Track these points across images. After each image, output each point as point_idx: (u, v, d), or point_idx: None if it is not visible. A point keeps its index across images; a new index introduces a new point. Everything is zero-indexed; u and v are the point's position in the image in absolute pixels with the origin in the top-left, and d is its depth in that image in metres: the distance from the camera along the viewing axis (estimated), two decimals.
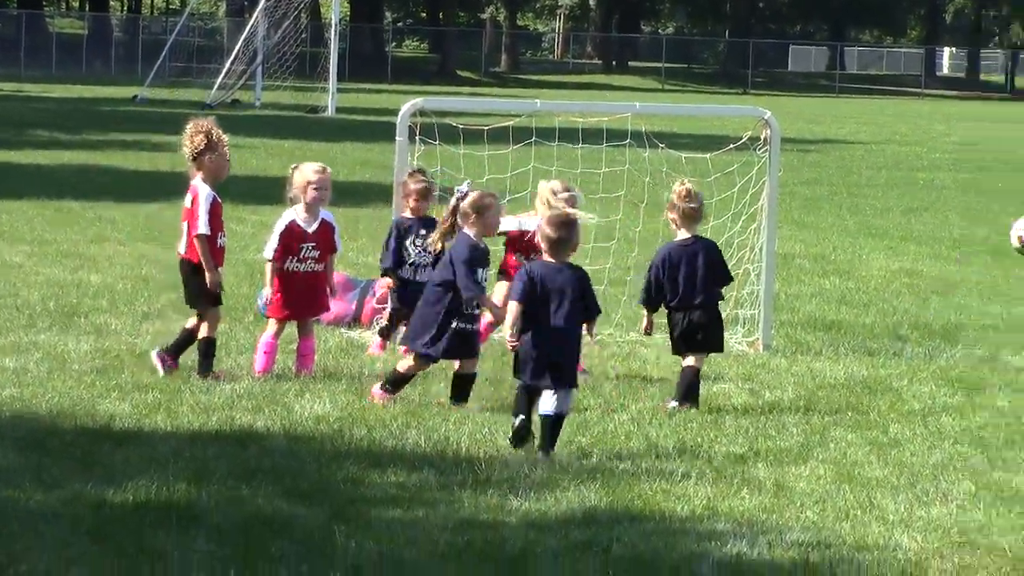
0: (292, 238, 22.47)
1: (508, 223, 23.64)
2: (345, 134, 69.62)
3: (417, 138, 25.66)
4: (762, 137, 26.86)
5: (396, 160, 25.23)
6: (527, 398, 20.56)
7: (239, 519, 16.12)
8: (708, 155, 27.96)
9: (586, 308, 21.13)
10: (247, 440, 19.73)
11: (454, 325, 21.67)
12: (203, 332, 21.16)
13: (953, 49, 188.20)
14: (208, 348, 21.07)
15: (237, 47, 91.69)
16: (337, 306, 25.12)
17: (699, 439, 20.82)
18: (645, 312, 22.83)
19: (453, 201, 21.50)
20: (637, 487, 18.66)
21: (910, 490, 18.88)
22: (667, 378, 23.77)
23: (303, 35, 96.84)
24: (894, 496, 18.57)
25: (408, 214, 22.99)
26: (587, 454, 20.08)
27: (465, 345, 22.37)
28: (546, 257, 20.78)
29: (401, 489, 18.55)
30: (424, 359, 21.71)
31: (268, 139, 57.41)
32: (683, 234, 22.60)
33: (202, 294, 21.10)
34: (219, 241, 21.20)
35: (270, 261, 22.62)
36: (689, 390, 22.00)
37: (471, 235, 20.91)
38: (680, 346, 22.60)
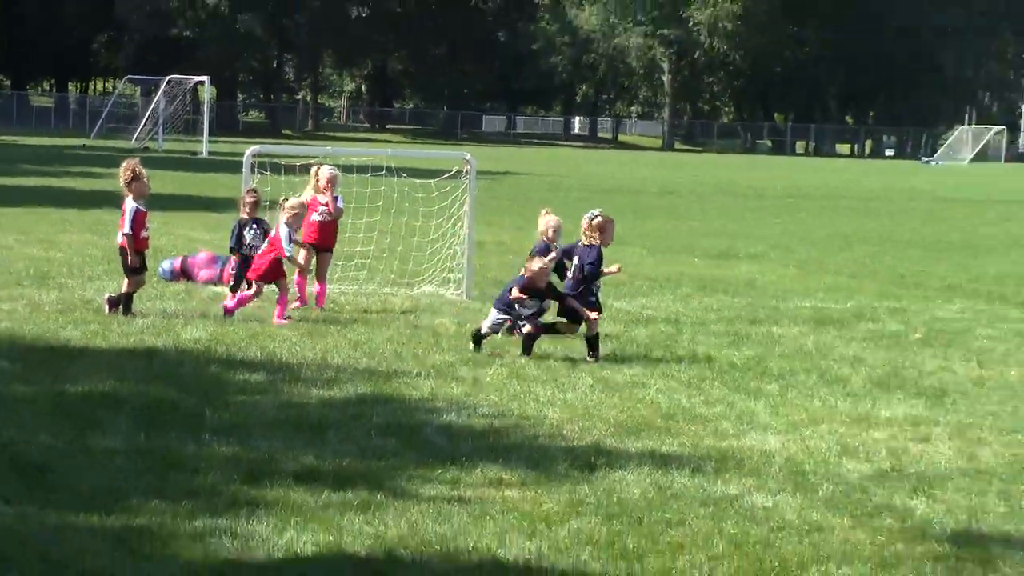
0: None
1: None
2: (214, 168, 76.40)
3: (256, 170, 28.19)
4: (464, 170, 28.29)
5: (242, 183, 27.66)
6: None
7: (147, 402, 17.44)
8: (432, 181, 29.89)
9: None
10: (152, 353, 21.00)
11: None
12: (126, 289, 23.51)
13: (581, 118, 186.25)
14: (128, 300, 23.64)
15: (147, 114, 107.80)
16: (209, 272, 27.53)
17: (426, 352, 21.54)
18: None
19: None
20: (390, 382, 19.38)
21: (553, 383, 19.52)
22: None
23: (188, 107, 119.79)
24: (544, 387, 19.29)
25: (245, 215, 25.14)
26: (360, 362, 20.76)
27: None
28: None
29: (246, 383, 19.52)
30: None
31: (168, 171, 59.21)
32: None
33: (127, 268, 23.55)
34: (143, 234, 23.39)
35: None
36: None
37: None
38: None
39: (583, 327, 21.75)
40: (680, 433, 17.04)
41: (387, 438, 16.08)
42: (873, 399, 19.62)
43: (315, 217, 25.49)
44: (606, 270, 22.04)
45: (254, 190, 25.95)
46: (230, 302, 24.24)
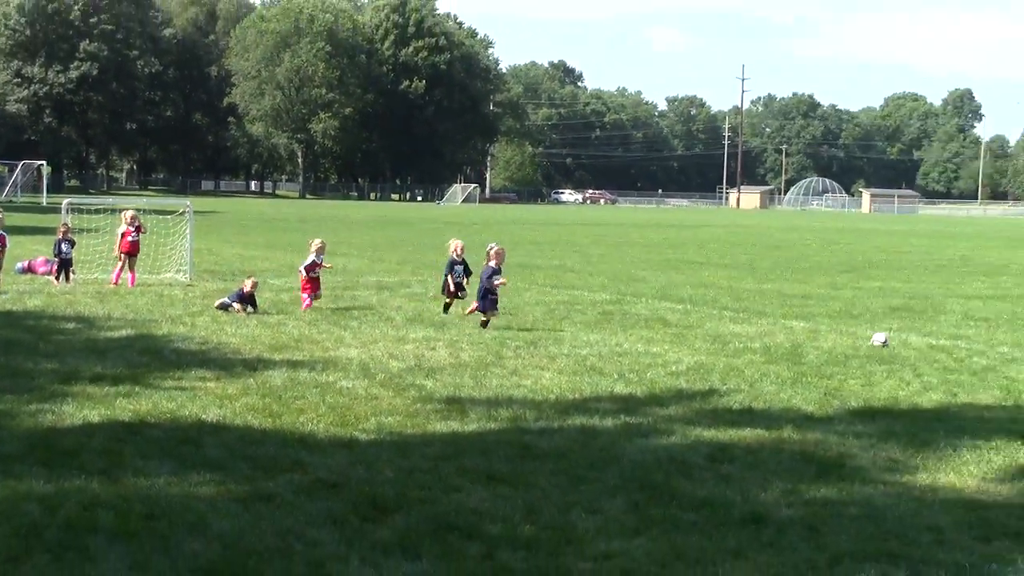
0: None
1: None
2: (47, 211, 67.64)
3: (69, 212, 29.29)
4: (185, 211, 29.36)
5: (61, 218, 28.46)
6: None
7: (4, 339, 17.70)
8: (170, 216, 30.40)
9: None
10: (8, 314, 21.34)
11: None
12: None
13: (255, 181, 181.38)
14: None
15: (10, 182, 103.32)
16: (44, 269, 28.73)
17: (165, 308, 21.24)
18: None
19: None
20: (146, 325, 19.66)
21: (235, 324, 20.00)
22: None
23: (34, 177, 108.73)
24: (232, 327, 19.75)
25: (61, 236, 27.23)
26: (129, 315, 20.80)
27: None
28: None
29: (64, 328, 19.62)
30: None
31: (22, 213, 56.48)
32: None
33: None
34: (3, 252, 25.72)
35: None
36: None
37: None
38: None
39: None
40: (303, 349, 17.62)
41: (142, 356, 16.52)
42: (406, 329, 20.18)
43: (129, 238, 27.15)
44: (497, 281, 20.92)
45: (67, 223, 28.16)
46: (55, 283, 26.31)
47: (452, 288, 22.41)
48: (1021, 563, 8.40)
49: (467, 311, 21.81)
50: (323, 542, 8.44)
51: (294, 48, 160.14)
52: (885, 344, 19.33)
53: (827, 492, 10.15)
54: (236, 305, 22.06)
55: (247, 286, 22.57)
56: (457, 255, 22.62)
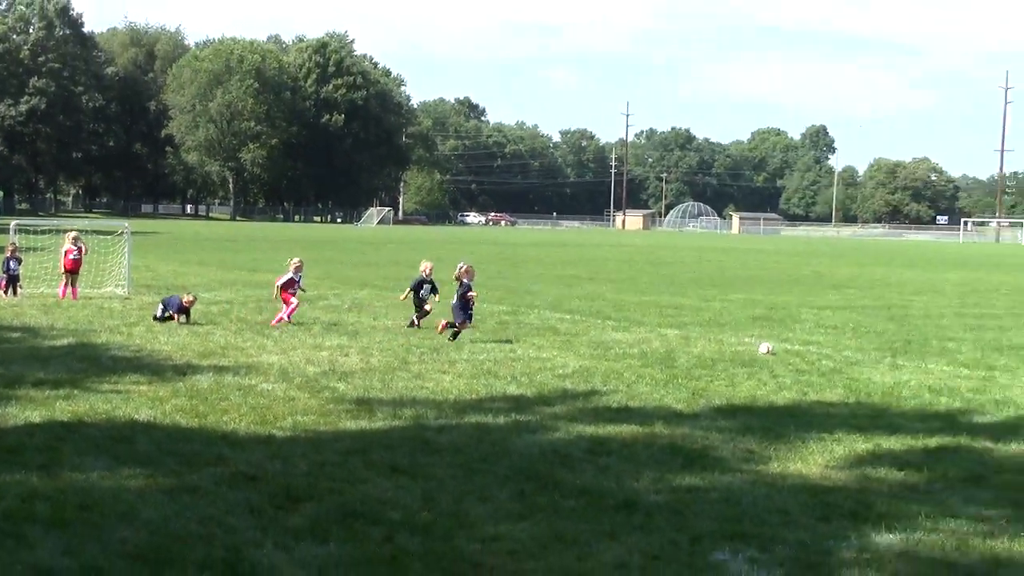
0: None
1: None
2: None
3: (17, 233, 28.77)
4: (124, 232, 29.12)
5: (10, 238, 28.44)
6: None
7: None
8: (110, 235, 29.55)
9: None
10: None
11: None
12: None
13: (190, 205, 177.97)
14: None
15: None
16: None
17: (104, 319, 20.97)
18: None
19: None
20: (86, 335, 19.41)
21: (168, 333, 19.82)
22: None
23: None
24: (166, 335, 19.60)
25: (9, 255, 27.01)
26: (71, 325, 20.54)
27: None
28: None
29: (10, 337, 19.17)
30: None
31: None
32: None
33: None
34: None
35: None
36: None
37: None
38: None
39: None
40: (229, 356, 17.48)
41: (81, 362, 16.37)
42: (322, 337, 20.09)
43: (71, 256, 26.96)
44: (471, 294, 20.36)
45: (14, 243, 28.03)
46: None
47: (425, 308, 21.99)
48: (854, 539, 8.56)
49: (439, 328, 20.66)
50: (241, 529, 8.39)
51: (225, 85, 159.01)
52: (770, 352, 19.27)
53: (691, 480, 10.22)
54: (174, 314, 21.83)
55: (187, 298, 22.33)
56: (426, 275, 22.38)
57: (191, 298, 22.52)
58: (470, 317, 20.66)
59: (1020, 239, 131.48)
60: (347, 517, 8.73)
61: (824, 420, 13.29)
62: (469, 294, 20.56)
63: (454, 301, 20.71)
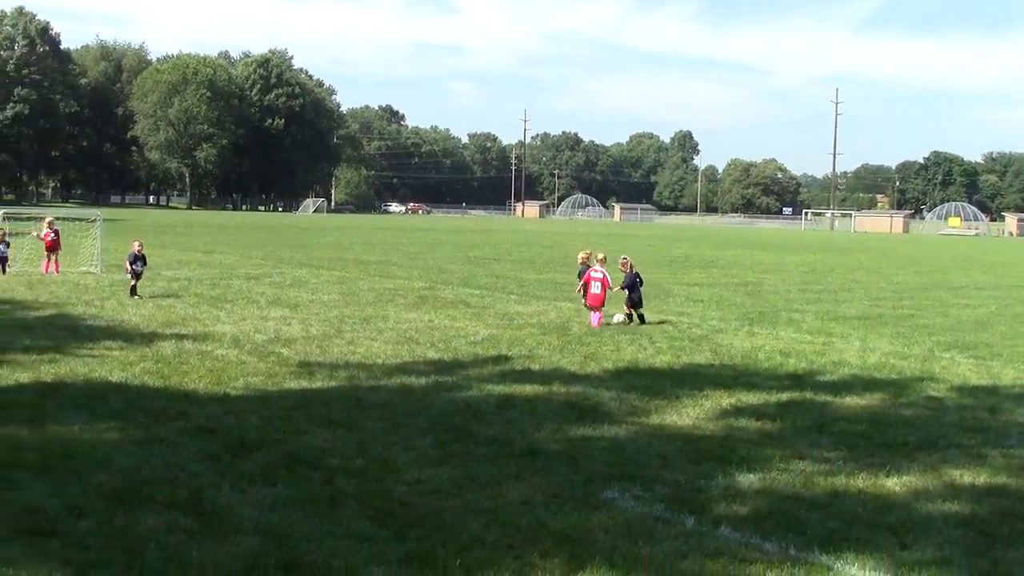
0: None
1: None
2: None
3: (4, 220, 28.23)
4: (96, 218, 28.50)
5: None
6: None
7: None
8: (88, 220, 28.26)
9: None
10: None
11: None
12: None
13: (152, 196, 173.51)
14: None
15: None
16: None
17: (80, 295, 20.56)
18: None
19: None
20: (62, 307, 18.91)
21: (136, 306, 19.34)
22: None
23: None
24: (137, 308, 19.14)
25: None
26: (52, 299, 20.03)
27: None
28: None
29: (11, 311, 18.67)
30: None
31: None
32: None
33: None
34: None
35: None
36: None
37: None
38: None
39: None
40: (188, 326, 17.16)
41: (62, 331, 16.05)
42: (268, 309, 19.73)
43: (49, 237, 27.04)
44: (622, 286, 19.16)
45: (3, 229, 27.48)
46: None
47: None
48: (721, 478, 8.64)
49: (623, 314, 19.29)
50: (202, 473, 8.33)
51: (182, 94, 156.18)
52: (622, 321, 19.01)
53: (584, 430, 10.22)
54: (128, 266, 21.84)
55: (135, 247, 22.31)
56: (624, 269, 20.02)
57: (138, 245, 22.49)
58: (638, 302, 19.44)
59: (850, 227, 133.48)
60: (292, 463, 8.67)
61: (695, 379, 13.33)
62: (622, 286, 19.52)
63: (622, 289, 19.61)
